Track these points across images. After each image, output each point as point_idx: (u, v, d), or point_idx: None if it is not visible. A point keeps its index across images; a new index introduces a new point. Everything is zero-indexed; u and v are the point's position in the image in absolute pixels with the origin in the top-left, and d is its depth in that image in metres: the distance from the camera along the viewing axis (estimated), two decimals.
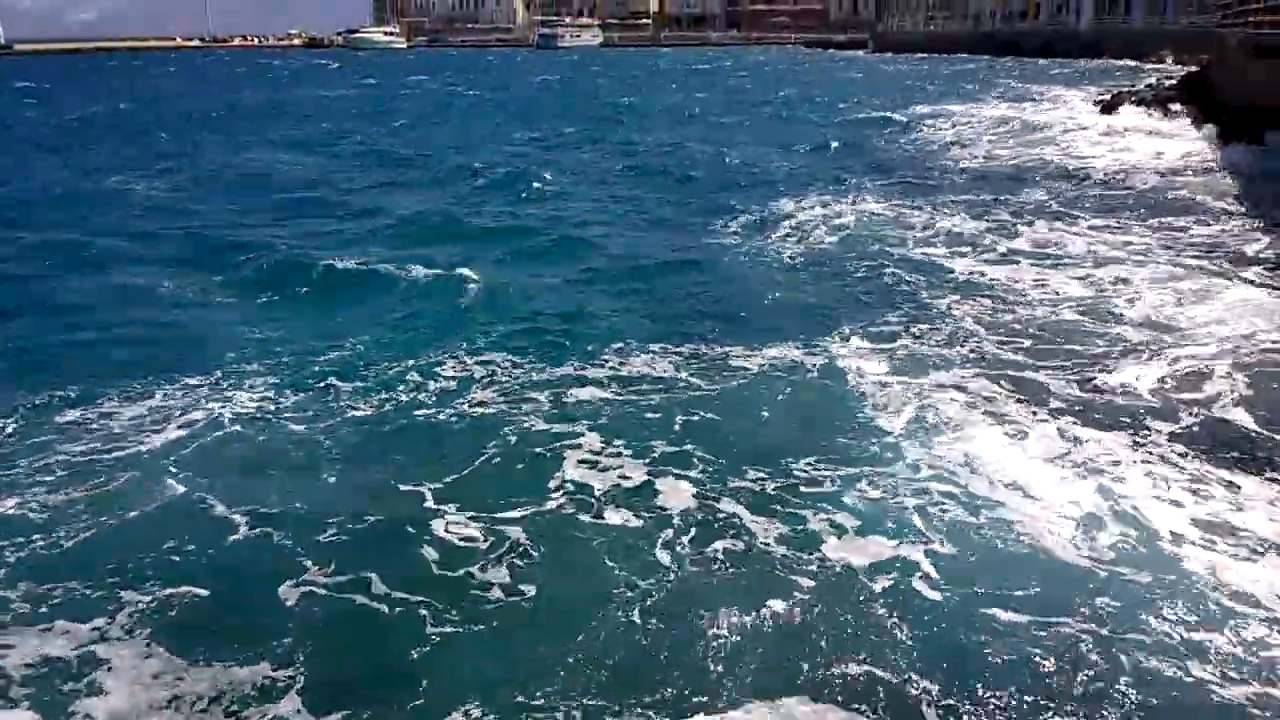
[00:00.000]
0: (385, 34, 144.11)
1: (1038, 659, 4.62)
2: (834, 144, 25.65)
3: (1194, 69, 37.52)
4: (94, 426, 7.45)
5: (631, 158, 23.89)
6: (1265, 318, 9.38)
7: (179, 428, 7.43)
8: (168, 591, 5.32)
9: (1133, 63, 58.90)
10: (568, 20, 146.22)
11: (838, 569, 5.38)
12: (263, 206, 17.51)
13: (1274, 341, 8.72)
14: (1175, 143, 23.15)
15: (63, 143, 28.81)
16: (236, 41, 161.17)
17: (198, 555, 5.70)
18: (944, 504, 5.99)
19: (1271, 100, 19.84)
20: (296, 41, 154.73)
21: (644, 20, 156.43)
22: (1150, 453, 6.65)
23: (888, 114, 33.67)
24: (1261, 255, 12.15)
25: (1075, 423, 7.15)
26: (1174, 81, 35.34)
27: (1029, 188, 17.96)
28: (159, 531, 5.93)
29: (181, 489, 6.45)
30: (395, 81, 65.19)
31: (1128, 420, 7.21)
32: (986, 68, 66.74)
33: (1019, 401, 7.55)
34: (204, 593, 5.32)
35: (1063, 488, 6.15)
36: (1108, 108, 31.30)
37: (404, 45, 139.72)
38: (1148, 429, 7.03)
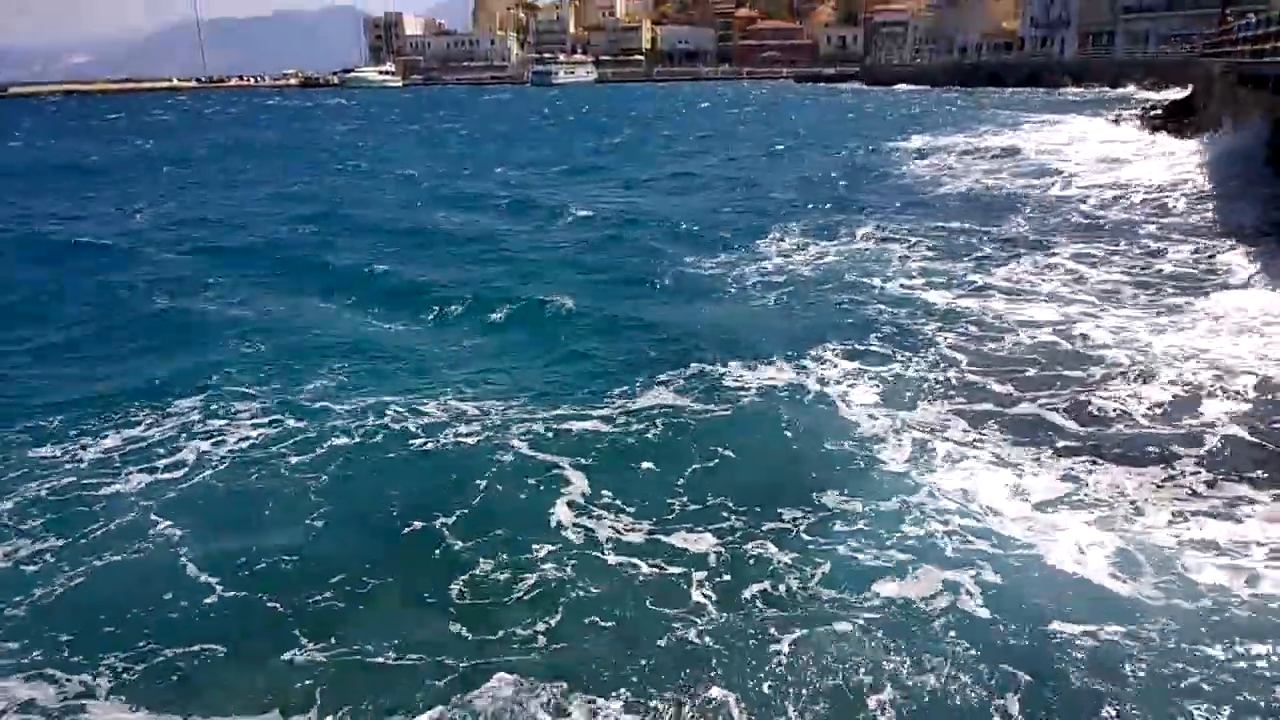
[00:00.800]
0: (380, 73, 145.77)
1: (1098, 688, 4.58)
2: (827, 176, 25.92)
3: (1179, 96, 38.11)
4: (74, 460, 7.42)
5: (631, 190, 24.17)
6: (1247, 335, 9.49)
7: (163, 461, 7.42)
8: (148, 647, 5.13)
9: (1117, 90, 59.77)
10: (562, 57, 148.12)
11: (870, 604, 5.32)
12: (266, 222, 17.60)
13: (1259, 358, 8.81)
14: (1159, 163, 23.54)
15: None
16: (233, 82, 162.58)
17: (179, 607, 5.52)
18: (962, 535, 5.95)
19: (1254, 126, 20.20)
20: (293, 81, 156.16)
21: (637, 56, 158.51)
22: (1155, 479, 6.66)
23: (878, 145, 34.08)
24: (1236, 271, 12.34)
25: (1070, 450, 7.17)
26: (1159, 111, 35.89)
27: (1015, 215, 18.11)
28: (142, 579, 5.80)
29: (166, 530, 6.36)
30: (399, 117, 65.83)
31: (1124, 446, 7.21)
32: (975, 98, 67.68)
33: (1014, 434, 7.54)
34: (185, 649, 5.14)
35: (1074, 516, 6.13)
36: (1095, 132, 31.76)
37: (399, 84, 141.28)
38: (1146, 454, 7.04)
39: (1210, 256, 13.52)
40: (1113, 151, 26.94)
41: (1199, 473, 6.73)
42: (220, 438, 7.87)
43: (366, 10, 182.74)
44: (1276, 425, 7.37)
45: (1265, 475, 6.62)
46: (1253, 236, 14.36)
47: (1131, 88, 58.54)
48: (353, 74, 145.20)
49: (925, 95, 78.04)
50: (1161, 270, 12.99)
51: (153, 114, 75.43)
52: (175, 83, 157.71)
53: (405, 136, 47.20)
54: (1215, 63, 29.13)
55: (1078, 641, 4.90)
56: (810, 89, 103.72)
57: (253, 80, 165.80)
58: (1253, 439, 7.19)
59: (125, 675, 4.93)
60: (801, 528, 6.19)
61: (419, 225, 18.81)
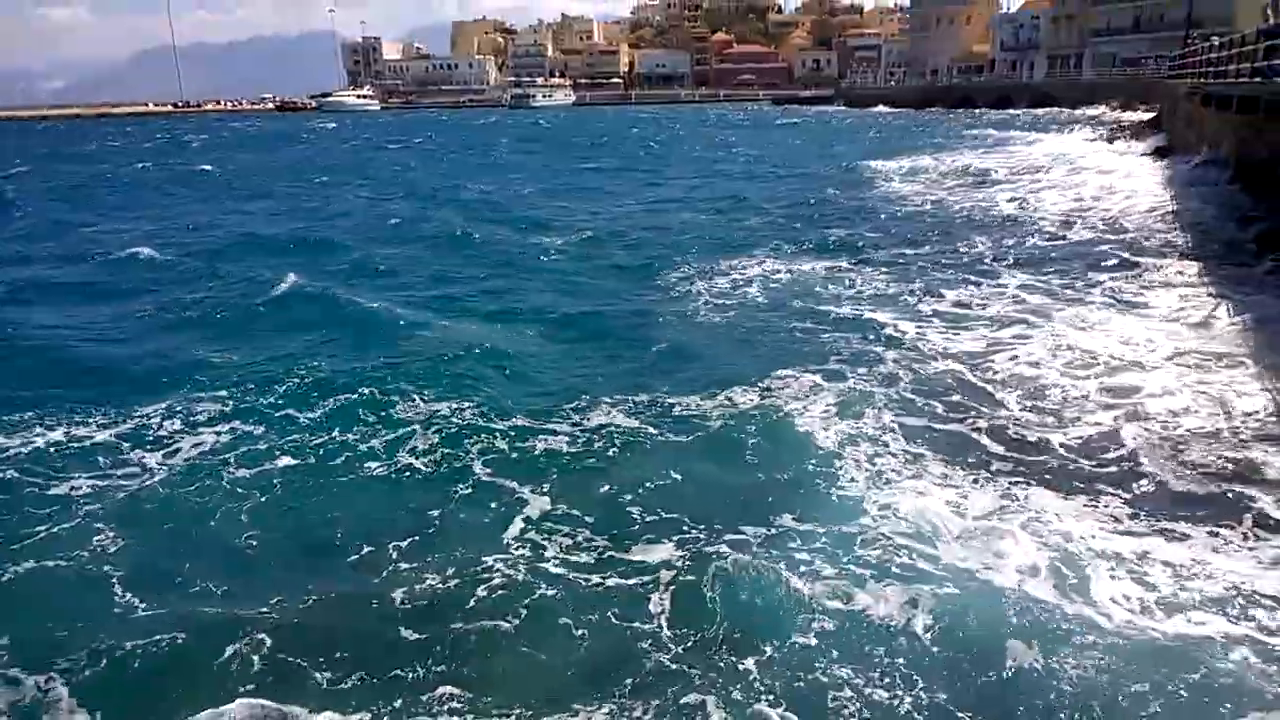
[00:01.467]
0: (358, 97, 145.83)
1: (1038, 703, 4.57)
2: (802, 197, 26.03)
3: (1147, 116, 38.74)
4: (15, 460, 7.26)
5: (594, 215, 24.14)
6: (1179, 360, 9.52)
7: (109, 469, 7.24)
8: (62, 679, 4.87)
9: (1087, 111, 60.75)
10: (540, 81, 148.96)
11: (825, 619, 5.28)
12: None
13: (1197, 384, 8.83)
14: (1124, 183, 23.74)
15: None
16: (209, 106, 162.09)
17: (106, 631, 5.26)
18: (909, 552, 5.93)
19: (1219, 146, 20.52)
20: (270, 106, 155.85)
21: (615, 79, 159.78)
22: (1092, 502, 6.67)
23: (851, 165, 34.38)
24: (1182, 294, 12.36)
25: (1008, 474, 7.17)
26: (1128, 129, 36.46)
27: (975, 236, 17.99)
28: (71, 601, 5.60)
29: (101, 546, 6.15)
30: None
31: (1060, 471, 7.21)
32: (947, 119, 68.63)
33: (956, 454, 7.51)
34: (100, 666, 4.95)
35: (1010, 534, 6.14)
36: (1062, 153, 32.18)
37: (377, 108, 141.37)
38: (1074, 479, 7.04)
39: (1161, 281, 13.41)
40: (1077, 177, 27.12)
41: (1126, 495, 6.75)
42: (176, 445, 7.72)
43: (344, 35, 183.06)
44: (1202, 453, 7.36)
45: (1182, 502, 6.63)
46: (1210, 260, 14.31)
47: (1101, 108, 59.48)
48: (330, 98, 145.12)
49: (899, 117, 79.10)
50: (1109, 291, 12.99)
51: (155, 139, 74.80)
52: (151, 107, 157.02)
53: (384, 156, 47.09)
54: (1180, 84, 29.65)
55: (1020, 658, 4.88)
56: (794, 110, 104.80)
57: (230, 104, 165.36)
58: (1178, 466, 7.19)
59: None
60: (756, 543, 6.16)
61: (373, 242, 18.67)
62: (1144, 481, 6.96)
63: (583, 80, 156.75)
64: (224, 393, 9.15)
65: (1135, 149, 29.67)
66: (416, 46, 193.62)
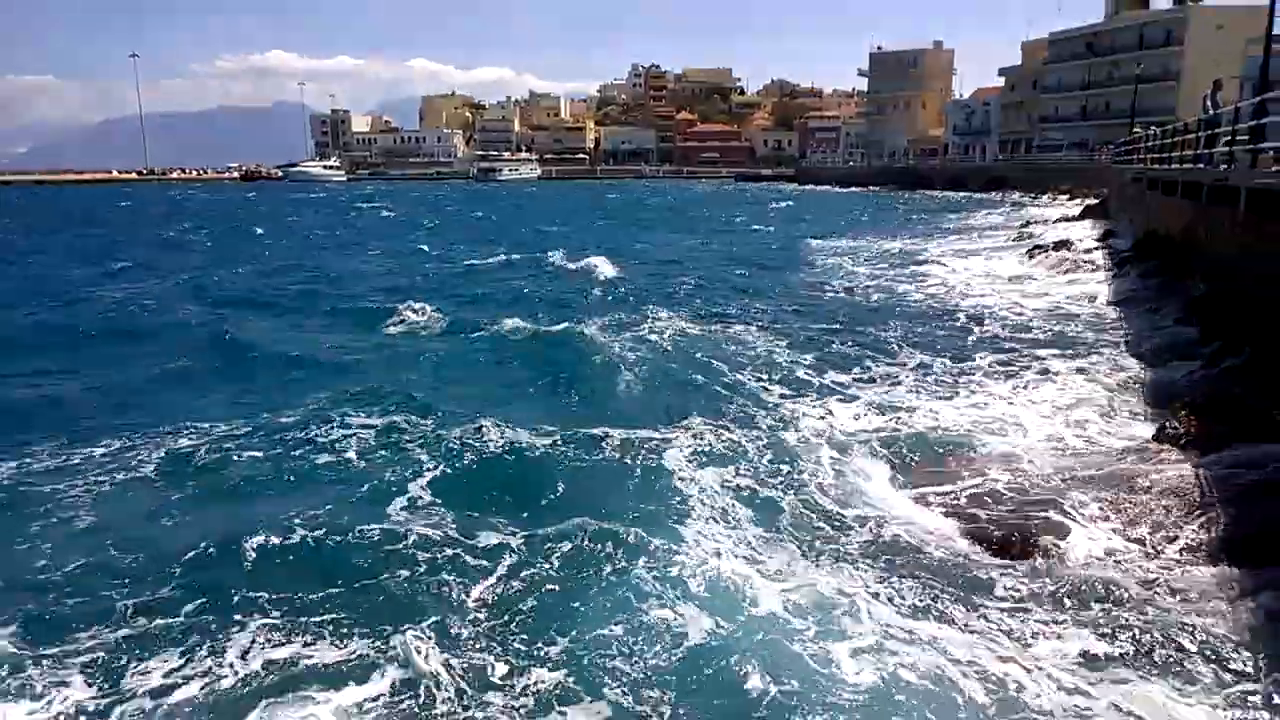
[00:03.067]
0: (325, 167, 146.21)
1: None
2: (729, 269, 25.91)
3: (1093, 200, 39.64)
4: None
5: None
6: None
7: None
8: None
9: (1038, 197, 62.23)
10: (506, 155, 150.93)
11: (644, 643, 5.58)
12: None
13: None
14: (1063, 286, 21.88)
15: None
16: (175, 174, 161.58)
17: None
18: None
19: (1166, 229, 20.70)
20: (235, 175, 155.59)
21: (580, 155, 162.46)
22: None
23: (792, 243, 34.65)
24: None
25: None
26: (1076, 214, 37.18)
27: (892, 322, 17.15)
28: None
29: None
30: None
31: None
32: (902, 201, 70.13)
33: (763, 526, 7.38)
34: None
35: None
36: (1013, 247, 32.21)
37: (343, 179, 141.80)
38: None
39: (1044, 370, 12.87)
40: (1017, 268, 26.20)
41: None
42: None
43: (314, 108, 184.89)
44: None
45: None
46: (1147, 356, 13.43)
47: (1047, 198, 60.15)
48: (296, 167, 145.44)
49: (851, 195, 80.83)
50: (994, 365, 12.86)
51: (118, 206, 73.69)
52: (115, 174, 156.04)
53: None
54: (1126, 169, 30.37)
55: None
56: (748, 187, 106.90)
57: (196, 173, 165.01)
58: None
59: None
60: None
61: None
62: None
63: (549, 155, 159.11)
64: None
65: (1082, 236, 29.86)
66: (385, 119, 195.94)
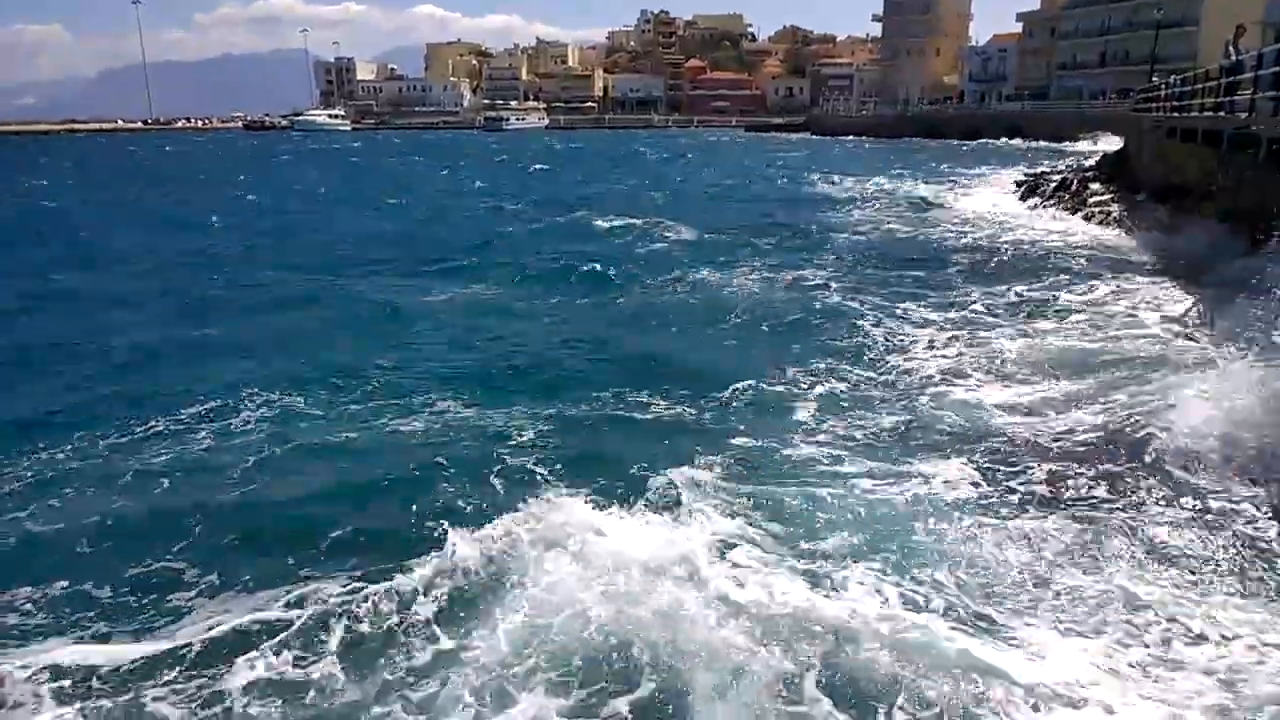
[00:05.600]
0: (330, 116, 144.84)
1: None
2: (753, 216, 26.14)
3: (1112, 148, 39.37)
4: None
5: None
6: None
7: None
8: None
9: (1055, 144, 61.71)
10: (514, 104, 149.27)
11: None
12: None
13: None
14: (1082, 222, 23.64)
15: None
16: (180, 124, 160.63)
17: None
18: None
19: (1184, 178, 20.77)
20: (239, 124, 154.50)
21: (589, 104, 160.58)
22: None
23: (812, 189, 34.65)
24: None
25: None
26: (1093, 161, 36.97)
27: (920, 261, 18.09)
28: None
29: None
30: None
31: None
32: (916, 150, 69.44)
33: None
34: None
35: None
36: (1027, 188, 32.44)
37: (348, 128, 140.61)
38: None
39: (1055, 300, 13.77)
40: (1039, 211, 27.10)
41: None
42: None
43: (317, 55, 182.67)
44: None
45: None
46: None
47: (1068, 144, 60.05)
48: (302, 117, 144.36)
49: (861, 145, 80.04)
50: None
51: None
52: (120, 124, 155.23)
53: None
54: (1145, 118, 30.18)
55: None
56: (762, 138, 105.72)
57: (201, 123, 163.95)
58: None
59: None
60: None
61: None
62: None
63: (557, 104, 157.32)
64: None
65: (1100, 182, 29.83)
66: (391, 68, 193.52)
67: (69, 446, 7.89)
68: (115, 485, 7.13)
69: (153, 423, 8.46)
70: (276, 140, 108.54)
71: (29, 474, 7.34)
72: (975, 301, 14.00)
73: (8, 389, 9.93)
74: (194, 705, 4.57)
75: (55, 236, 23.73)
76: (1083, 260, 17.61)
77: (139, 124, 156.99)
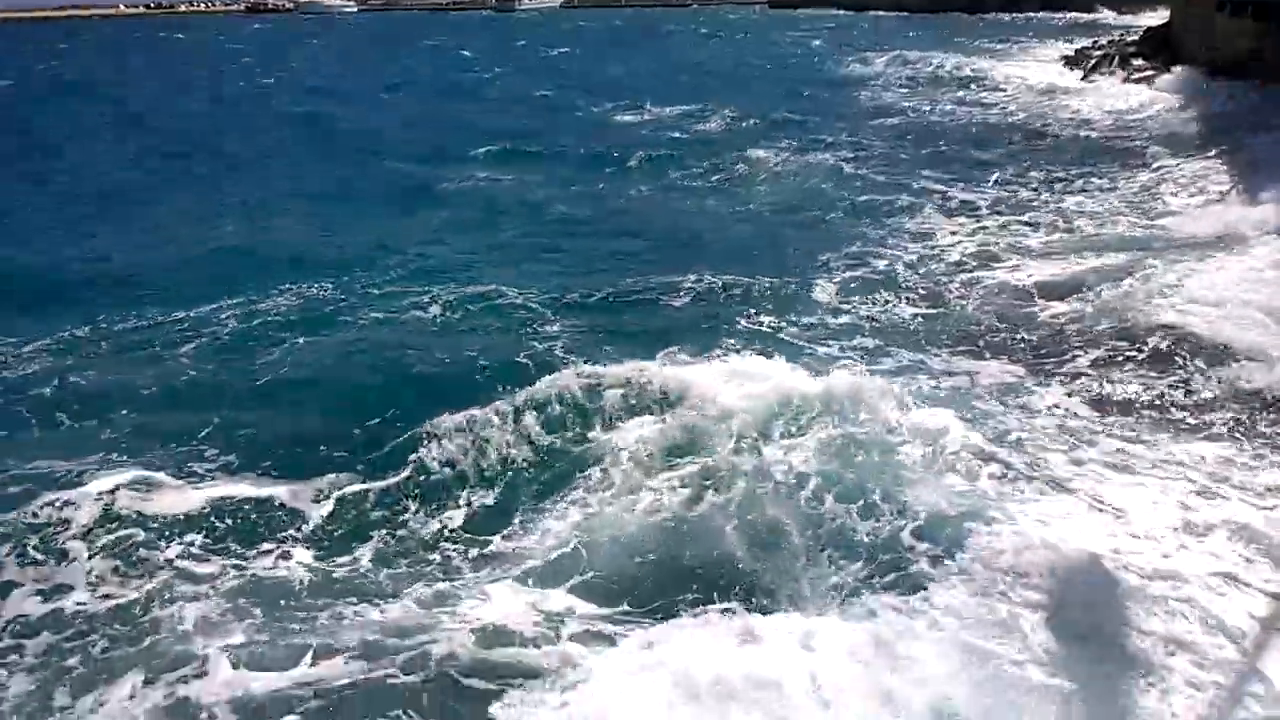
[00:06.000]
0: None
1: None
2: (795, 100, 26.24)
3: (1158, 22, 38.37)
4: None
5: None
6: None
7: None
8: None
9: (1097, 14, 59.65)
10: None
11: None
12: None
13: None
14: (1128, 96, 23.74)
15: None
16: (182, 7, 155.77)
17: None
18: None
19: (1232, 51, 20.76)
20: (242, 7, 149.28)
21: None
22: None
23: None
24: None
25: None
26: (1136, 37, 36.20)
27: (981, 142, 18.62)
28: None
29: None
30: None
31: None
32: (954, 23, 67.18)
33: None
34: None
35: None
36: (1069, 62, 32.13)
37: (354, 9, 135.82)
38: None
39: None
40: (1073, 81, 27.22)
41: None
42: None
43: None
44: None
45: None
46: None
47: (1107, 13, 58.23)
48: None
49: (902, 19, 77.37)
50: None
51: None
52: (122, 9, 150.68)
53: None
54: None
55: None
56: (794, 16, 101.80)
57: (203, 5, 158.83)
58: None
59: None
60: None
61: None
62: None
63: None
64: None
65: (1143, 58, 29.48)
66: None
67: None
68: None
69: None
70: (288, 23, 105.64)
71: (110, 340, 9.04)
72: (1023, 176, 14.71)
73: None
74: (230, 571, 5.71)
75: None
76: (1128, 134, 18.02)
77: (141, 8, 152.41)
